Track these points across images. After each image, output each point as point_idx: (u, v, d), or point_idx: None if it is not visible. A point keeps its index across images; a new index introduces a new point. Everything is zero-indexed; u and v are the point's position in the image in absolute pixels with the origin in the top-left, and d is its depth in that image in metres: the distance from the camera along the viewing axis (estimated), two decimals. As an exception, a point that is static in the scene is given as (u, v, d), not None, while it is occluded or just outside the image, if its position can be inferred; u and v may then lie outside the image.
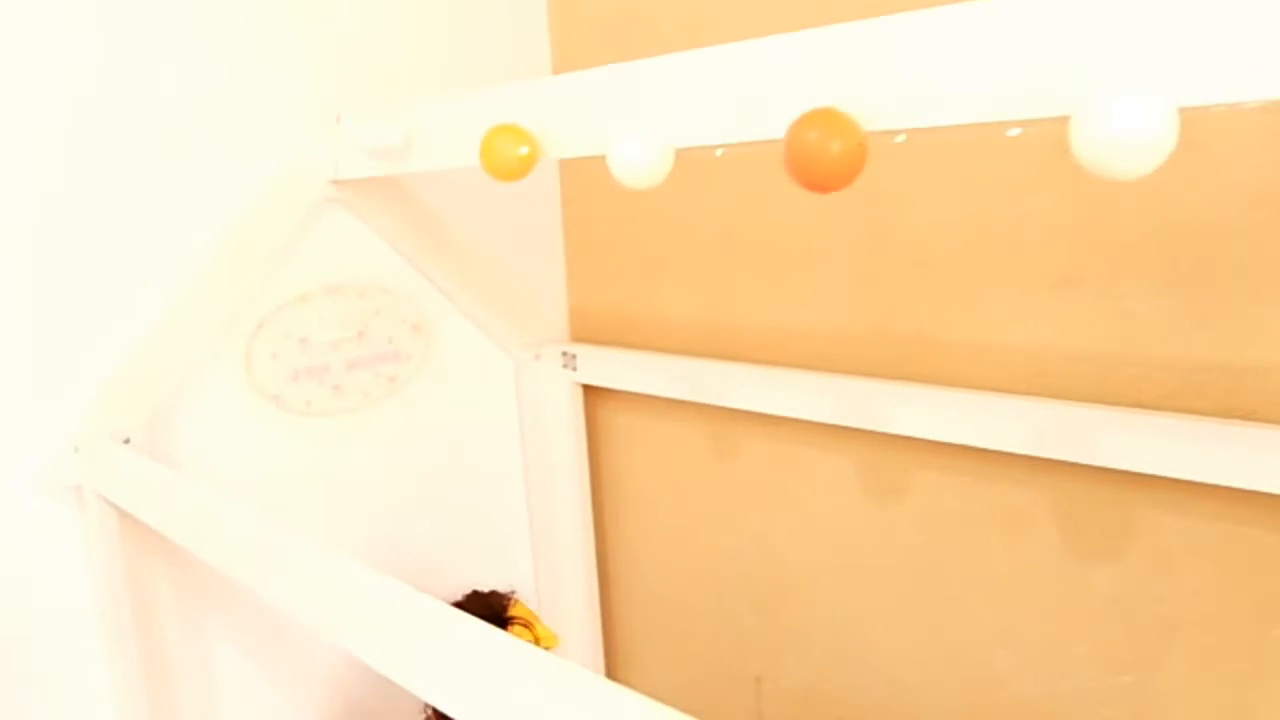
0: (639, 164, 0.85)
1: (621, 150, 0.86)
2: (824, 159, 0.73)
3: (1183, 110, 0.58)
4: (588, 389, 1.55)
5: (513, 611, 1.23)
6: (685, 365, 1.40)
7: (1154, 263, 1.03)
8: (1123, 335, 1.06)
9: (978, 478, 1.18)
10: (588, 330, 1.59)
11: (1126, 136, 0.58)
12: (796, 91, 0.77)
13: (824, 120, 0.74)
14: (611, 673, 1.65)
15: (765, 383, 1.31)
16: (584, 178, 1.56)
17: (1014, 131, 0.67)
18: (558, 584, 1.59)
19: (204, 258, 1.23)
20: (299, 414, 1.35)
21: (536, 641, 1.20)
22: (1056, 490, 1.13)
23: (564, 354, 1.52)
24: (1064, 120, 0.66)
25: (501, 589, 1.33)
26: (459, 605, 1.24)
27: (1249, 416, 1.00)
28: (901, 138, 0.71)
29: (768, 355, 1.35)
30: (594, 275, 1.57)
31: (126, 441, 1.15)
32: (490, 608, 1.24)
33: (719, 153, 0.82)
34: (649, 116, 0.87)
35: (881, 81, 0.74)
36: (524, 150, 0.98)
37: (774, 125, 0.78)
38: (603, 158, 0.92)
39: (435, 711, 1.22)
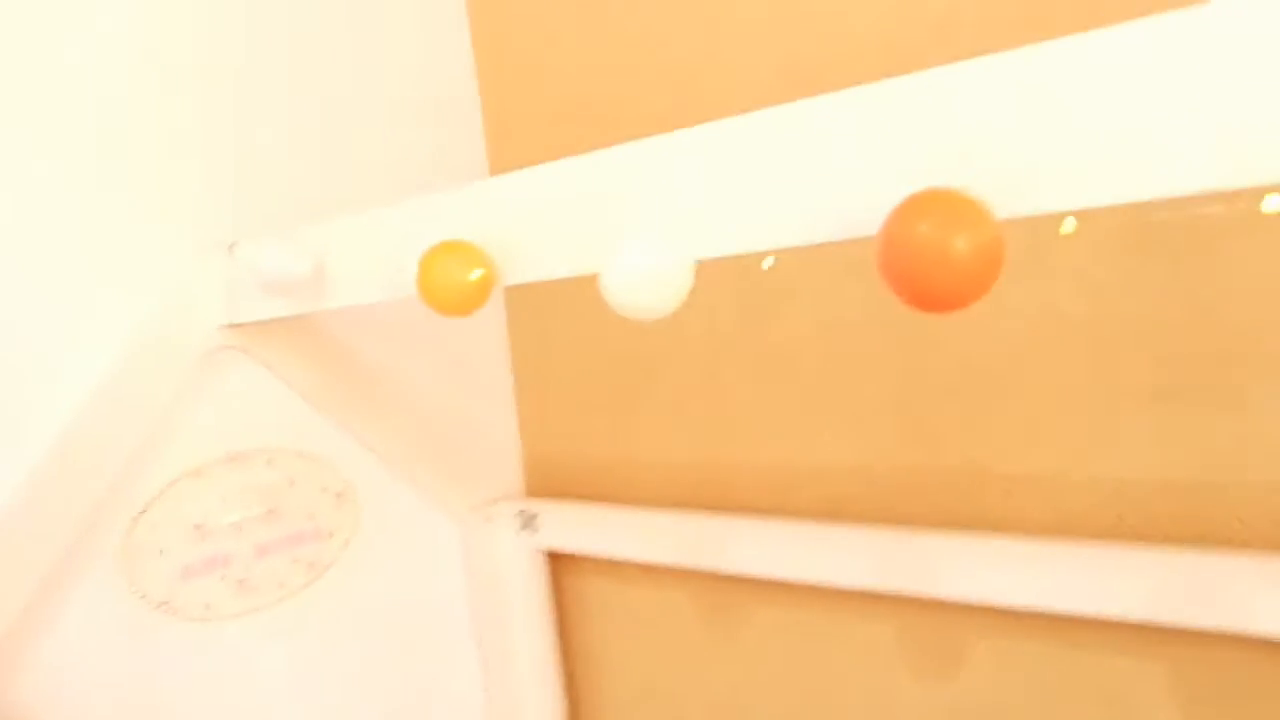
0: (647, 285, 0.62)
1: (623, 268, 0.62)
2: (946, 262, 0.50)
3: None
4: (552, 555, 1.28)
5: None
6: (673, 521, 1.15)
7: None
8: (1244, 457, 0.84)
9: (1063, 646, 0.94)
10: (548, 482, 1.33)
11: None
12: (884, 168, 0.55)
13: (940, 206, 0.51)
14: None
15: (777, 540, 1.06)
16: (534, 296, 1.32)
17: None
18: (528, 795, 1.29)
19: (62, 432, 0.96)
20: (197, 621, 1.06)
21: None
22: (1177, 661, 0.89)
23: (521, 513, 1.26)
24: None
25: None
26: None
27: None
28: (1070, 223, 0.49)
29: (777, 504, 1.11)
30: (552, 414, 1.32)
31: (-49, 692, 0.86)
32: None
33: (768, 263, 0.59)
34: (658, 219, 0.63)
35: (1011, 146, 0.51)
36: (476, 274, 0.73)
37: (854, 218, 0.55)
38: (581, 279, 0.69)
39: None
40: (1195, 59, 0.46)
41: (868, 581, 1.00)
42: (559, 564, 1.29)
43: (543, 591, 1.28)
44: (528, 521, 1.25)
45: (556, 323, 1.30)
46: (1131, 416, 0.88)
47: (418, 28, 1.27)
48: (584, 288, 0.66)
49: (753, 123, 0.59)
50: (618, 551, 1.20)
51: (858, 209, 0.55)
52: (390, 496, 1.20)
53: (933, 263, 0.50)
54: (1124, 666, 0.91)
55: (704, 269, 0.63)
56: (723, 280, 1.12)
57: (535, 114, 1.28)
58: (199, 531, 1.06)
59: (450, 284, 0.74)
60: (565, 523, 1.24)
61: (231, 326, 1.06)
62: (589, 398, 1.28)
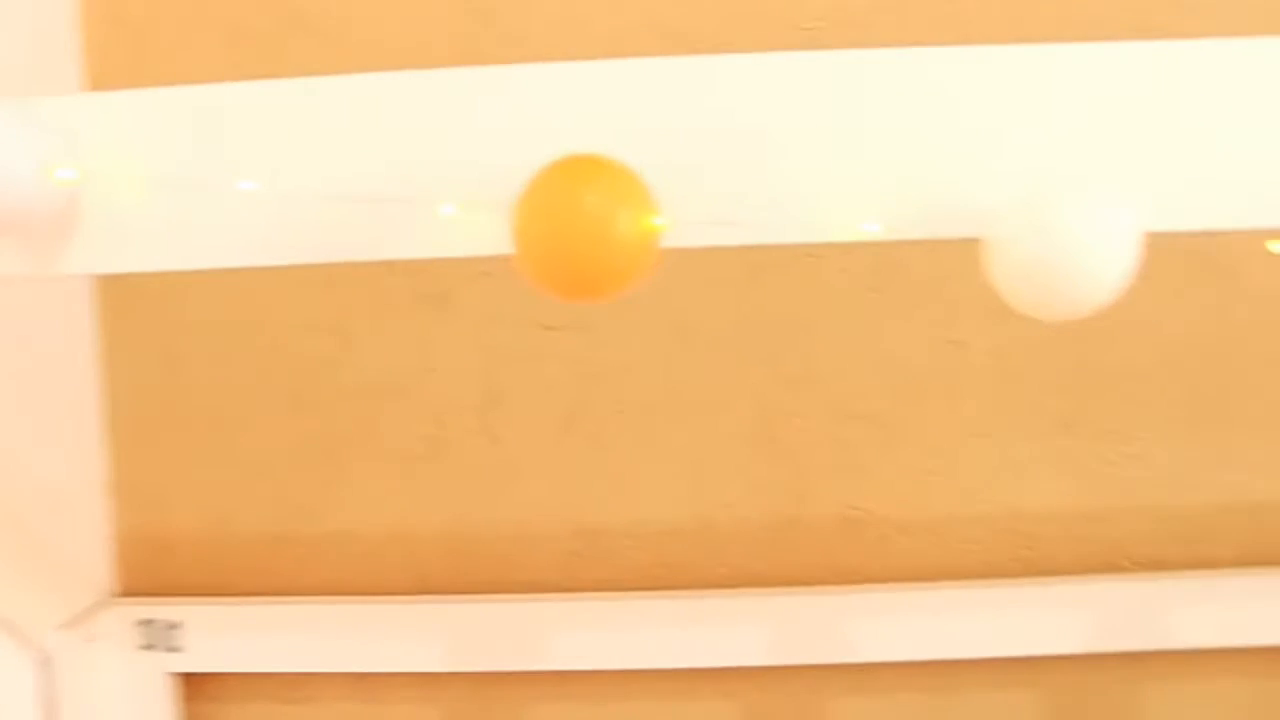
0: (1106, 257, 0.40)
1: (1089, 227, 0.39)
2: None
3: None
4: (192, 680, 0.85)
5: None
6: (420, 614, 0.83)
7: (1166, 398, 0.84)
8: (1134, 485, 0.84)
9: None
10: (163, 574, 0.88)
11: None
12: None
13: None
14: None
15: (568, 620, 0.82)
16: (135, 300, 0.87)
17: None
18: None
19: None
20: None
21: None
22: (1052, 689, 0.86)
23: (143, 623, 0.82)
24: None
25: None
26: None
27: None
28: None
29: (544, 569, 0.86)
30: (161, 478, 0.88)
31: None
32: None
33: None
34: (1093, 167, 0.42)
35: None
36: (656, 221, 0.43)
37: None
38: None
39: None
40: None
41: (745, 655, 0.82)
42: (200, 689, 0.86)
43: (177, 738, 0.84)
44: (156, 634, 0.81)
45: (178, 346, 0.86)
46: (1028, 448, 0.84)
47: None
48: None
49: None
50: (305, 663, 0.84)
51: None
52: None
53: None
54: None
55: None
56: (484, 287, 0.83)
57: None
58: None
59: (604, 235, 0.41)
60: (218, 629, 0.83)
61: None
62: (232, 446, 0.87)
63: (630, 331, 0.83)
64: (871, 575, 0.84)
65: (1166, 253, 0.77)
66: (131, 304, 0.86)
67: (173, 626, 0.81)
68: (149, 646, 0.81)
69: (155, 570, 0.87)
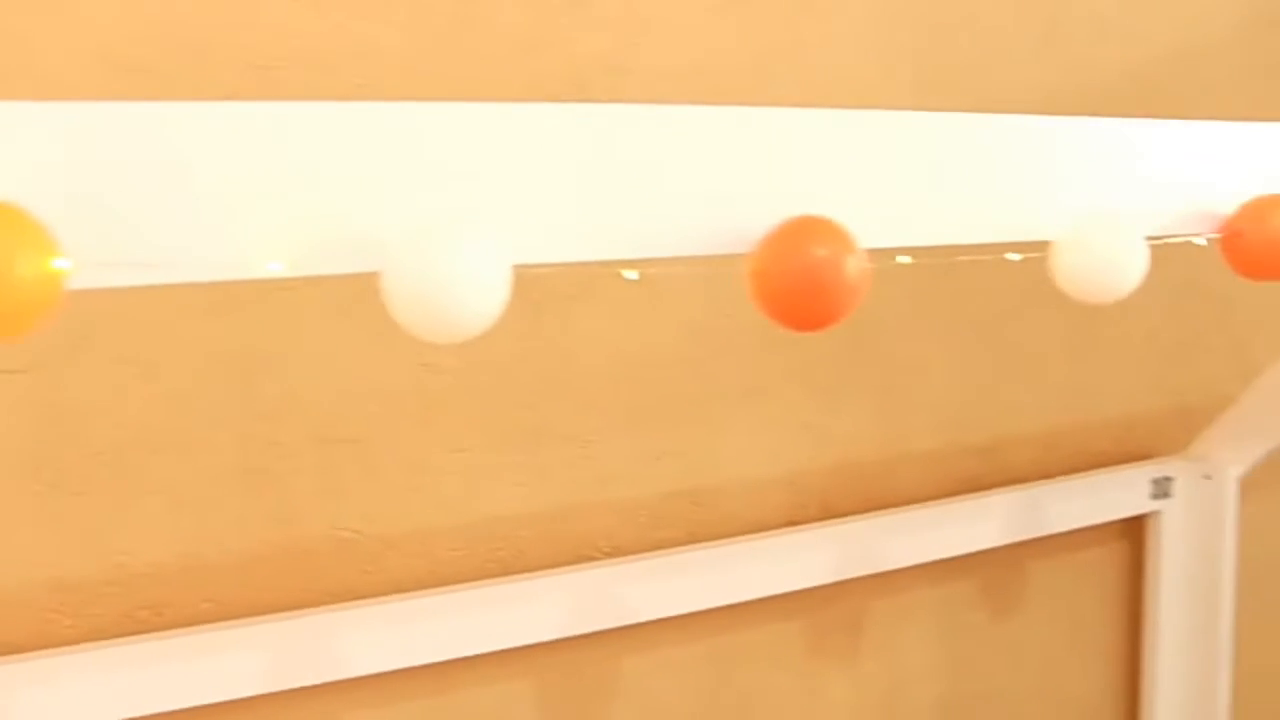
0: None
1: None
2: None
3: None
4: None
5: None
6: None
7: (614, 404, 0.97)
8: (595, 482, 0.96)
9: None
10: None
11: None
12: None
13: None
14: None
15: (43, 679, 0.79)
16: None
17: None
18: None
19: None
20: None
21: None
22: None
23: None
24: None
25: None
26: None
27: (715, 536, 1.01)
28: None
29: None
30: None
31: None
32: None
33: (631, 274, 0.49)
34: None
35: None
36: (57, 264, 0.44)
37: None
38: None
39: None
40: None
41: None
42: None
43: None
44: None
45: None
46: (499, 457, 0.92)
47: None
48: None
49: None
50: None
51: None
52: None
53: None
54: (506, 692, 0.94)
55: None
56: None
57: None
58: None
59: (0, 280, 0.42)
60: None
61: None
62: None
63: (94, 371, 0.80)
64: (364, 591, 0.88)
65: (602, 280, 0.90)
66: None
67: None
68: None
69: None
